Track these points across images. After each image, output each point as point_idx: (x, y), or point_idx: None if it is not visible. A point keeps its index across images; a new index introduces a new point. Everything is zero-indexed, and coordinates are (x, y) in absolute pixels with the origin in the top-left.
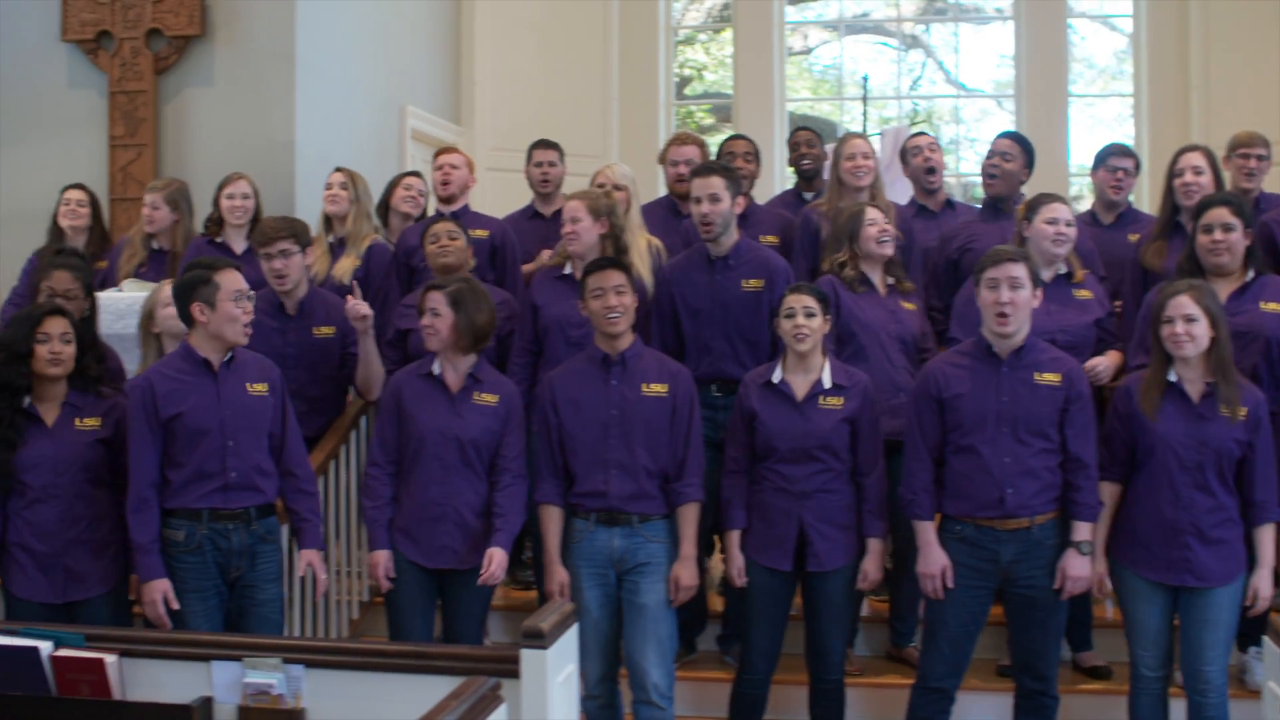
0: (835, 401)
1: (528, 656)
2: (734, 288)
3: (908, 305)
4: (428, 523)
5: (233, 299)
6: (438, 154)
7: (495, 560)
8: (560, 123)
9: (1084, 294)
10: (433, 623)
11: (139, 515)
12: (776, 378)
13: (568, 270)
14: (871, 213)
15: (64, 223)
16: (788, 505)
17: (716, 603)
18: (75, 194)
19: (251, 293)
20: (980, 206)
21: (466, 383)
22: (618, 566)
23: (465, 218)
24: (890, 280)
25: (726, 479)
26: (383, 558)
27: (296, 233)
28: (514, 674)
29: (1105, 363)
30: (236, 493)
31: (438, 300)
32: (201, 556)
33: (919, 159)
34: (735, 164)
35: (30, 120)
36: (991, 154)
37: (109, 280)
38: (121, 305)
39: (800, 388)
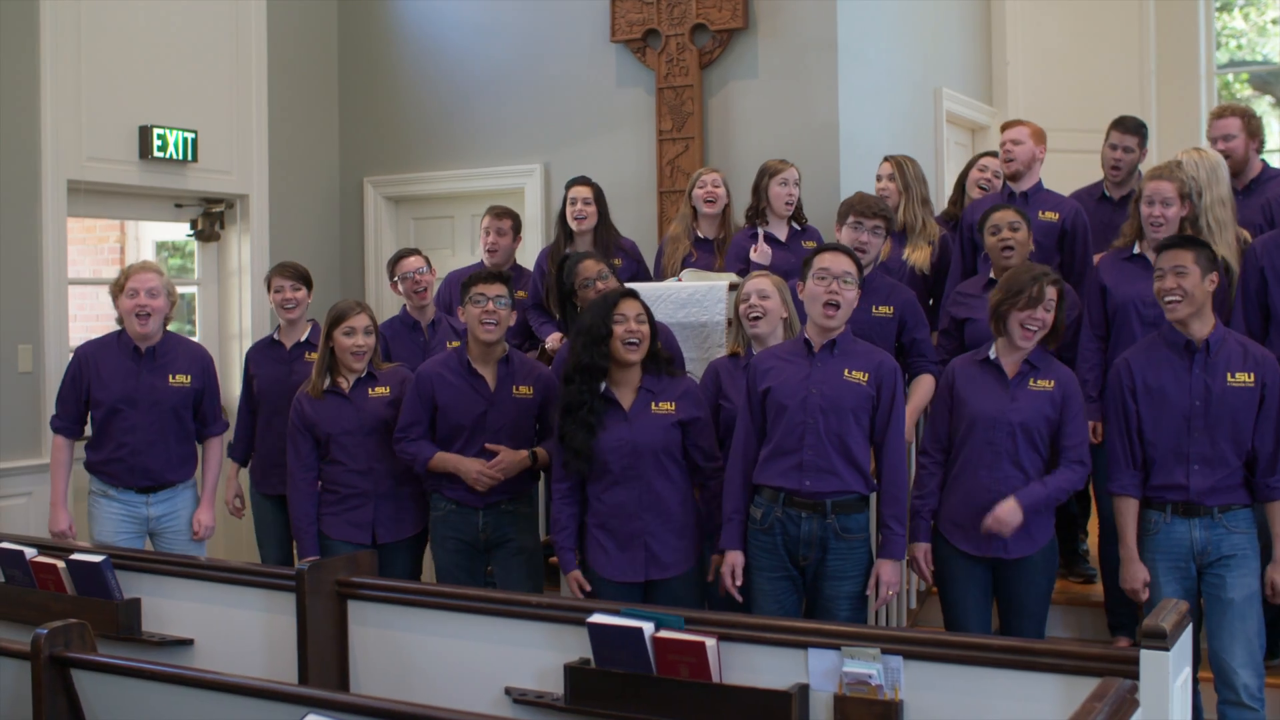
0: None
1: (1148, 658)
2: None
3: None
4: (978, 511)
5: (815, 277)
6: (1002, 128)
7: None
8: (1094, 99)
9: None
10: (989, 615)
11: (731, 485)
12: None
13: (1137, 250)
14: None
15: (571, 224)
16: None
17: None
18: (581, 191)
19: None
20: None
21: (1022, 368)
22: (1198, 560)
23: (1036, 197)
24: None
25: None
26: (922, 550)
27: (891, 218)
28: (1129, 674)
29: None
30: (812, 475)
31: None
32: (772, 537)
33: None
34: None
35: (582, 120)
36: None
37: (655, 273)
38: (683, 295)
39: None
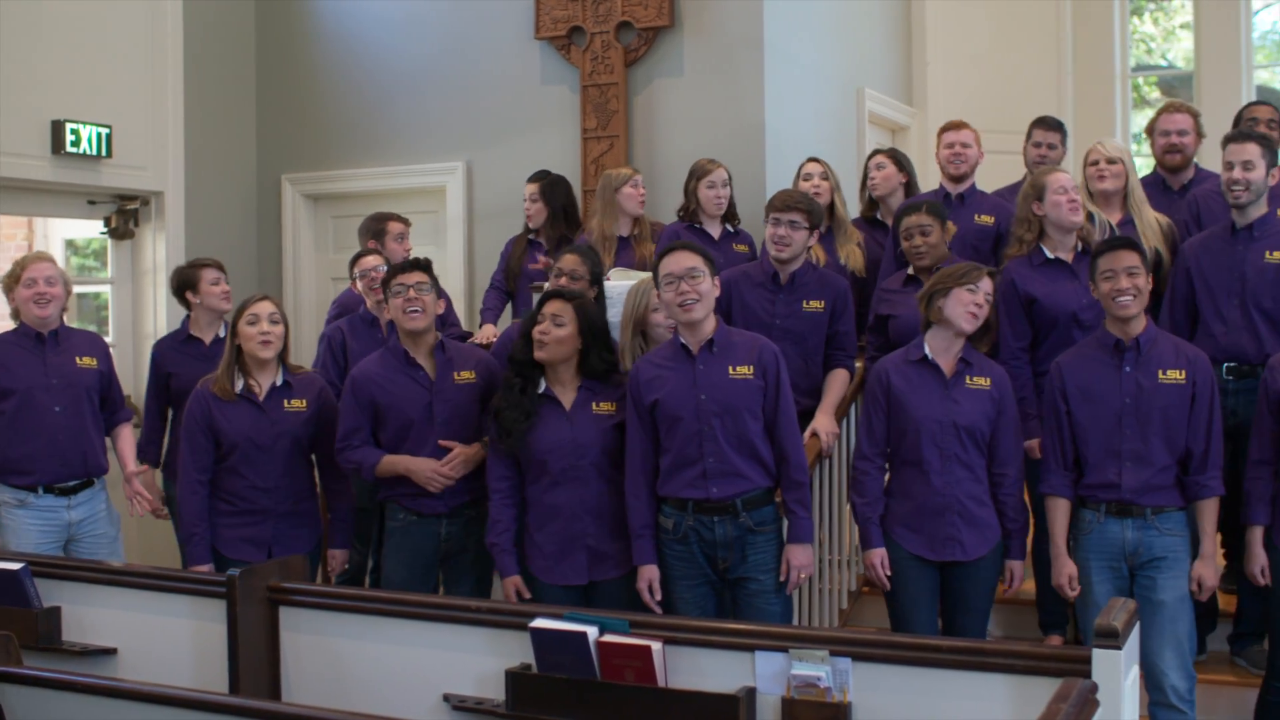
0: None
1: (1100, 656)
2: (1257, 260)
3: None
4: (930, 515)
5: (664, 284)
6: (944, 130)
7: (1016, 574)
8: (1012, 100)
9: None
10: (936, 616)
11: (635, 500)
12: None
13: (1051, 255)
14: None
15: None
16: None
17: (1227, 600)
18: (528, 189)
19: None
20: None
21: (958, 366)
22: (1130, 560)
23: (971, 200)
24: None
25: (1252, 470)
26: (878, 556)
27: (812, 210)
28: (1080, 673)
29: None
30: (717, 481)
31: (988, 284)
32: (687, 546)
33: None
34: (1257, 130)
35: (506, 118)
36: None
37: None
38: (614, 294)
39: None
